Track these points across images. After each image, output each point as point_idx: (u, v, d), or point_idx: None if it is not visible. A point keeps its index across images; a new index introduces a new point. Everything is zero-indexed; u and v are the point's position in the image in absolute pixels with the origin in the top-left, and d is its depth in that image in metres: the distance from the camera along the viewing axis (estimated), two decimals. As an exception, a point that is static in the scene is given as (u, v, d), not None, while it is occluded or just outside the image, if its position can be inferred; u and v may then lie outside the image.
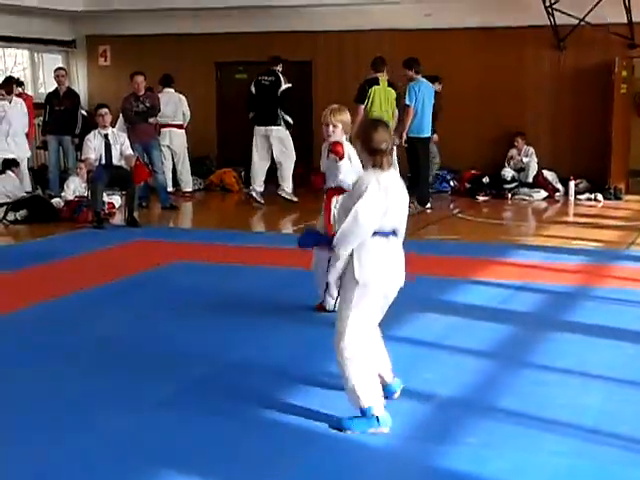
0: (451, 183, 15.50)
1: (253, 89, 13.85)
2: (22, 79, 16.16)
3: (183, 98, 15.07)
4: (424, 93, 13.37)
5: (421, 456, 4.46)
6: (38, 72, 17.67)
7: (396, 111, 12.74)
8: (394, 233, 4.81)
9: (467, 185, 15.18)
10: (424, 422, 4.93)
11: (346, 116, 6.94)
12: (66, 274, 9.03)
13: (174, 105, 14.91)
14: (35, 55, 17.82)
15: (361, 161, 4.98)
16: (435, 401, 5.24)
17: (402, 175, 5.33)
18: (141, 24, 17.51)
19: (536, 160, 15.26)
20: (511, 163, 15.24)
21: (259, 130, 13.68)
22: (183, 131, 15.15)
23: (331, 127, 6.83)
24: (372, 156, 4.73)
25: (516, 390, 5.43)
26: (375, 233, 4.71)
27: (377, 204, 4.66)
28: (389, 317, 6.83)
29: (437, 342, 6.42)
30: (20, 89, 14.68)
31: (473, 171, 15.15)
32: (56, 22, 17.77)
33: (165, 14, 17.11)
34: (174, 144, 14.98)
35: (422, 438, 4.69)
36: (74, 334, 6.72)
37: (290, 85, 13.75)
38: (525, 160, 15.26)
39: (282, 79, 13.68)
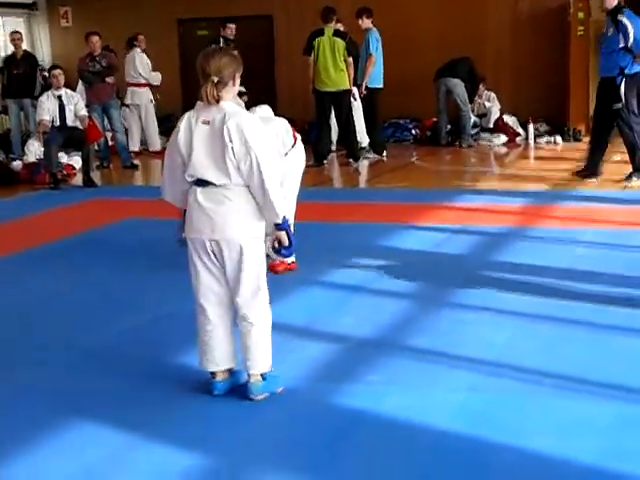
0: (413, 132, 15.56)
1: None
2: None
3: (137, 56, 15.02)
4: (381, 43, 13.47)
5: (321, 395, 4.57)
6: (-1, 36, 17.64)
7: (350, 60, 12.71)
8: (208, 183, 4.36)
9: (428, 133, 15.25)
10: (331, 363, 5.04)
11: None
12: (13, 234, 9.13)
13: (130, 64, 14.94)
14: (-5, 19, 17.79)
15: None
16: (348, 343, 5.35)
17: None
18: (101, -17, 17.46)
19: (498, 105, 15.32)
20: (473, 109, 15.27)
21: None
22: (145, 89, 15.11)
23: None
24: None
25: (431, 329, 5.54)
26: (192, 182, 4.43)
27: (173, 147, 4.45)
28: (318, 262, 7.07)
29: (362, 286, 6.53)
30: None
31: (434, 119, 15.17)
32: (16, -15, 17.72)
33: (124, -28, 17.09)
34: (134, 102, 15.02)
35: (325, 378, 4.81)
36: (14, 290, 6.89)
37: None
38: (487, 105, 15.33)
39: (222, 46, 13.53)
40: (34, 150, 13.07)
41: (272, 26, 16.92)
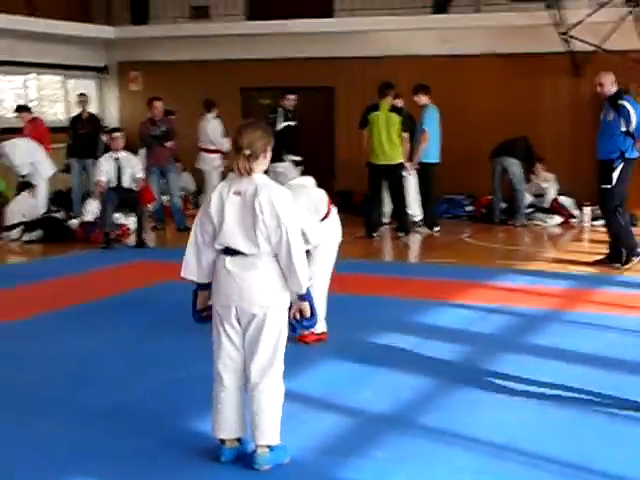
0: (467, 208, 15.59)
1: None
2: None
3: (210, 122, 15.31)
4: (438, 119, 13.61)
5: (326, 469, 4.61)
6: (69, 97, 18.09)
7: (405, 135, 12.87)
8: (237, 252, 4.52)
9: (482, 210, 15.26)
10: (342, 437, 5.08)
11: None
12: (59, 291, 9.38)
13: (202, 129, 15.30)
14: (68, 81, 18.32)
15: None
16: (362, 417, 5.39)
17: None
18: (170, 51, 17.93)
19: (556, 186, 15.28)
20: (529, 189, 15.26)
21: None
22: (213, 155, 15.36)
23: None
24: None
25: (447, 408, 5.56)
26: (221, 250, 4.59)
27: (204, 216, 4.60)
28: (349, 334, 7.11)
29: (387, 361, 6.56)
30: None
31: (489, 197, 15.18)
32: (89, 49, 18.31)
33: (192, 41, 17.56)
34: (200, 167, 15.41)
35: (333, 452, 4.84)
36: (47, 345, 7.09)
37: (289, 123, 13.93)
38: (544, 186, 15.30)
39: (278, 118, 13.87)
40: (92, 210, 13.39)
41: (333, 98, 17.19)
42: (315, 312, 4.72)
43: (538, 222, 14.74)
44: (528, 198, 15.06)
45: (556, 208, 14.95)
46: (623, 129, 10.09)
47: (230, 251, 4.55)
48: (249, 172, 4.50)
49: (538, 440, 4.97)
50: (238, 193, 4.51)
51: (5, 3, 15.04)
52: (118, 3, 18.47)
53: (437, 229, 13.64)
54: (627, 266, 10.43)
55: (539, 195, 15.32)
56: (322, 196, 7.02)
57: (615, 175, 10.09)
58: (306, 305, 4.64)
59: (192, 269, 4.70)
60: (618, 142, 10.13)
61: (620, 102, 10.15)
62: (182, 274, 4.75)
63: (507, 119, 15.50)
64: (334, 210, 7.13)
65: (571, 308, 8.48)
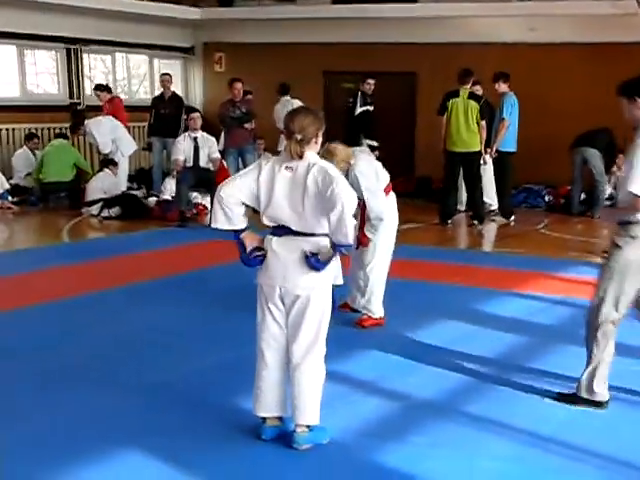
0: (546, 198, 15.39)
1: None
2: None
3: (289, 103, 15.33)
4: (517, 107, 13.45)
5: (363, 451, 4.65)
6: (155, 76, 18.34)
7: (482, 123, 12.75)
8: (286, 229, 4.59)
9: (562, 201, 15.03)
10: (383, 420, 5.11)
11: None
12: (129, 267, 9.61)
13: (281, 112, 15.38)
14: (154, 60, 18.60)
15: None
16: (406, 402, 5.41)
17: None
18: (254, 33, 18.05)
19: None
20: (610, 180, 14.99)
21: None
22: None
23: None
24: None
25: (492, 398, 5.52)
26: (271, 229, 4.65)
27: (241, 185, 4.62)
28: (407, 320, 7.11)
29: (439, 347, 6.57)
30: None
31: (569, 187, 14.95)
32: (175, 29, 18.52)
33: (277, 23, 17.62)
34: (281, 148, 15.51)
35: (373, 434, 4.88)
36: (115, 320, 7.29)
37: (367, 108, 13.96)
38: (625, 178, 14.98)
39: (357, 102, 13.90)
40: (170, 188, 13.60)
41: (415, 83, 17.11)
42: (330, 264, 4.59)
43: (618, 215, 14.44)
44: (608, 190, 14.79)
45: (637, 201, 14.63)
46: None
47: (278, 231, 4.61)
48: (300, 155, 4.59)
49: (585, 434, 4.93)
50: (290, 169, 4.60)
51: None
52: (205, -16, 18.69)
53: (513, 218, 13.48)
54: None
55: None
56: (385, 174, 7.08)
57: None
58: (331, 251, 4.56)
59: (221, 219, 4.64)
60: None
61: None
62: (212, 225, 4.74)
63: (590, 109, 15.19)
64: (393, 195, 7.14)
65: (638, 303, 8.30)
